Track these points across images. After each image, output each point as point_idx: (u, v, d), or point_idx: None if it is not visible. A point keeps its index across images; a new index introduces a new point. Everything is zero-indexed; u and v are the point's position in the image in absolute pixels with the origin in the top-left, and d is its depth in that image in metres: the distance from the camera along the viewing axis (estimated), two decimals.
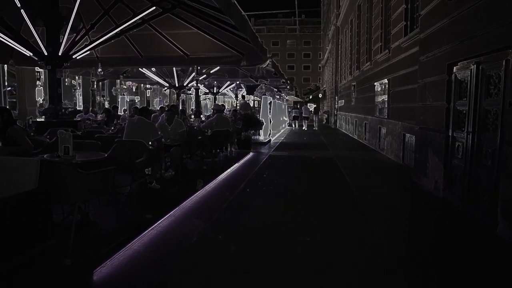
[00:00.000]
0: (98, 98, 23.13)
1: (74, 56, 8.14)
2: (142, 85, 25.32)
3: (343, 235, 4.40)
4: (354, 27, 19.87)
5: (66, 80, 14.18)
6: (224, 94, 28.36)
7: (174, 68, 14.06)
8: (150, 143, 5.64)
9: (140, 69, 14.47)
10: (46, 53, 7.68)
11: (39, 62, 7.99)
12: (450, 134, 5.80)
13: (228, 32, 9.21)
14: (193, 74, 13.60)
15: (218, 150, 9.41)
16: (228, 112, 13.00)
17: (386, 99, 11.45)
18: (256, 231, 4.46)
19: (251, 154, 11.35)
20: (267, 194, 6.37)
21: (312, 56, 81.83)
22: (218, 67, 13.98)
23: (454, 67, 5.67)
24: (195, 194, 5.96)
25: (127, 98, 29.94)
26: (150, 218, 4.54)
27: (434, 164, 6.32)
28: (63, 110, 8.46)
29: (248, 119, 11.43)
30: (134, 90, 30.24)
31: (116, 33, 8.40)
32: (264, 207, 5.54)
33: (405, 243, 4.25)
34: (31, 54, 7.69)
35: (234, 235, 4.29)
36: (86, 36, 8.46)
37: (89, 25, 8.25)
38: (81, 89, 23.82)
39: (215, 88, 21.26)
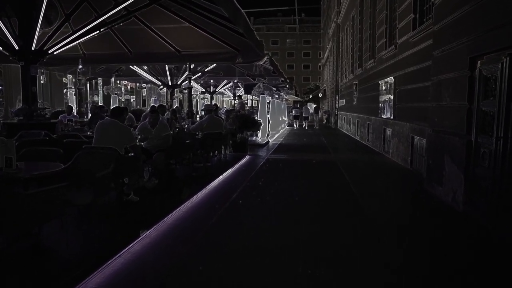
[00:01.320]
0: (89, 98, 22.35)
1: (51, 51, 7.37)
2: (137, 84, 24.51)
3: (353, 269, 3.63)
4: (355, 23, 19.10)
5: (42, 77, 13.32)
6: (222, 94, 27.66)
7: (166, 66, 13.30)
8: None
9: (131, 67, 13.75)
10: (17, 47, 6.91)
11: (10, 58, 7.24)
12: (472, 138, 5.02)
13: (221, 26, 8.48)
14: (187, 72, 12.84)
15: (210, 154, 8.64)
16: (222, 113, 12.22)
17: (392, 99, 10.67)
18: (247, 260, 3.68)
19: (247, 157, 10.57)
20: (262, 207, 5.59)
21: (312, 55, 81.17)
22: (214, 65, 13.19)
23: (479, 61, 4.89)
24: (178, 208, 5.18)
25: (123, 98, 29.15)
26: (118, 242, 3.76)
27: (452, 172, 5.55)
28: (38, 111, 7.66)
29: (244, 120, 10.65)
30: (129, 89, 29.49)
31: (97, 25, 7.59)
32: (258, 225, 4.76)
33: (426, 272, 3.48)
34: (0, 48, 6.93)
35: (219, 266, 3.51)
36: (69, 31, 7.67)
37: (66, 17, 7.50)
38: (74, 88, 23.09)
39: (211, 87, 20.51)
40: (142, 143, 5.86)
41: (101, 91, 20.24)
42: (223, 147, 9.95)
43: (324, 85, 44.62)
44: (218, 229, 4.56)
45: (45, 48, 7.17)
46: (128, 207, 5.04)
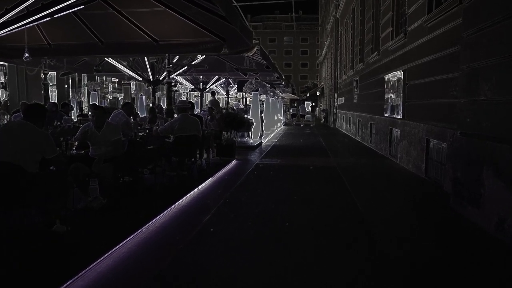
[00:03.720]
0: (72, 96, 20.82)
1: None
2: (122, 80, 22.97)
3: None
4: (356, 15, 17.67)
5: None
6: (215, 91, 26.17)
7: (146, 59, 11.83)
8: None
9: (108, 60, 12.26)
10: None
11: None
12: None
13: (203, 10, 7.10)
14: (170, 65, 11.37)
15: (186, 161, 7.18)
16: (204, 110, 10.76)
17: (401, 95, 9.24)
18: None
19: (233, 163, 9.12)
20: (240, 238, 4.14)
21: (310, 53, 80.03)
22: (202, 57, 11.68)
23: None
24: (121, 243, 3.73)
25: (110, 95, 27.65)
26: None
27: (495, 191, 4.12)
28: None
29: (231, 119, 9.19)
30: (116, 87, 27.97)
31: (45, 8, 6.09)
32: (228, 271, 3.31)
33: None
34: None
35: None
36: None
37: None
38: (56, 86, 21.55)
39: (201, 83, 19.04)
40: (81, 151, 4.41)
41: (83, 88, 18.74)
42: (204, 151, 8.50)
43: (322, 83, 43.22)
44: (168, 282, 3.12)
45: None
46: (49, 243, 3.58)
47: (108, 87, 27.39)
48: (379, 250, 3.83)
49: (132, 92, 28.05)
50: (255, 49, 9.47)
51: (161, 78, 12.29)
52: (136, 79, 14.88)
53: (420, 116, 7.95)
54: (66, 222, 3.80)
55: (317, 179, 7.57)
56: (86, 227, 4.08)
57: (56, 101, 21.15)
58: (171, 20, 8.29)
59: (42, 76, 13.10)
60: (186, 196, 5.70)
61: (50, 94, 20.54)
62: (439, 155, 6.88)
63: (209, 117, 9.26)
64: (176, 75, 15.04)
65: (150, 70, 12.06)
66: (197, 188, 6.22)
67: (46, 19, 6.22)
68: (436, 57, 7.04)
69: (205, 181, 6.78)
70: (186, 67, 12.60)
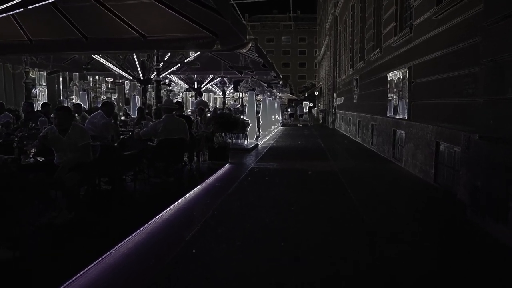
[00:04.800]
0: (62, 96, 20.11)
1: None
2: (115, 80, 22.22)
3: None
4: (356, 12, 17.06)
5: None
6: (210, 91, 25.48)
7: (135, 56, 11.18)
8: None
9: (96, 57, 11.59)
10: None
11: None
12: None
13: (192, 2, 6.51)
14: (161, 63, 10.73)
15: (175, 165, 6.53)
16: (194, 110, 10.10)
17: (406, 94, 8.62)
18: None
19: (226, 167, 8.47)
20: (226, 265, 3.50)
21: (308, 53, 79.53)
22: (196, 54, 11.02)
23: None
24: (82, 272, 3.08)
25: (103, 95, 26.93)
26: None
27: None
28: None
29: (224, 120, 8.54)
30: (109, 86, 27.23)
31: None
32: None
33: None
34: None
35: None
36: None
37: None
38: (46, 86, 20.82)
39: (196, 83, 18.39)
40: (40, 159, 3.76)
41: (72, 88, 18.01)
42: (194, 155, 7.86)
43: (321, 83, 42.60)
44: None
45: None
46: None
47: (101, 87, 26.69)
48: (391, 275, 3.19)
49: (126, 92, 27.34)
50: (250, 45, 8.85)
51: (151, 77, 11.65)
52: (127, 78, 14.25)
53: (428, 117, 7.33)
54: (17, 245, 3.15)
55: (317, 186, 6.92)
56: (42, 251, 3.42)
57: (46, 102, 20.48)
58: (159, 14, 7.71)
59: (33, 74, 12.39)
60: (170, 208, 5.04)
61: (40, 94, 19.89)
62: (451, 160, 6.26)
63: (199, 118, 8.61)
64: (168, 74, 14.44)
65: (140, 69, 11.41)
66: (183, 198, 5.57)
67: (18, 10, 5.60)
68: (446, 52, 6.42)
69: (193, 188, 6.13)
70: (179, 64, 11.99)
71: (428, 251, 3.82)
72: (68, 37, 8.80)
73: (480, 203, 4.39)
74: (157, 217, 4.62)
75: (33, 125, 7.04)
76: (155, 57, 9.40)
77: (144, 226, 4.22)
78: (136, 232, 4.03)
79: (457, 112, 5.98)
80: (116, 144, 5.39)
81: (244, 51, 9.70)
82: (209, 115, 11.39)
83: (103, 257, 3.39)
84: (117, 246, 3.62)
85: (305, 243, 3.96)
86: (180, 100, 9.63)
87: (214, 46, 8.10)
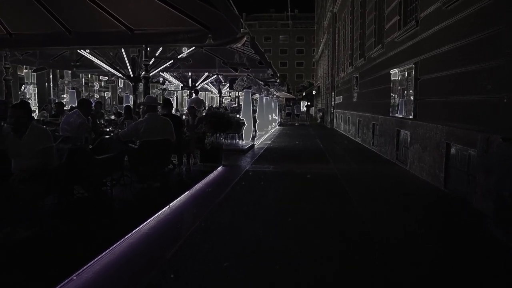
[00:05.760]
0: (54, 95, 19.43)
1: None
2: (106, 77, 21.48)
3: None
4: (356, 8, 16.49)
5: None
6: (206, 90, 24.84)
7: (123, 51, 10.57)
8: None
9: (84, 54, 10.98)
10: None
11: None
12: None
13: None
14: (151, 59, 10.14)
15: (162, 169, 5.93)
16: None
17: (411, 92, 8.05)
18: None
19: (219, 170, 7.88)
20: (213, 287, 2.91)
21: (305, 53, 79.07)
22: (190, 50, 10.40)
23: None
24: None
25: (96, 94, 26.28)
26: None
27: None
28: None
29: (216, 119, 7.95)
30: (103, 85, 26.54)
31: None
32: None
33: None
34: None
35: None
36: None
37: None
38: (36, 84, 20.14)
39: (190, 80, 17.79)
40: None
41: (62, 86, 17.34)
42: (184, 157, 7.26)
43: (318, 82, 42.03)
44: None
45: None
46: None
47: (94, 86, 26.04)
48: None
49: (120, 90, 26.66)
50: (245, 39, 8.26)
51: (142, 74, 11.03)
52: (117, 76, 13.60)
53: (437, 116, 6.76)
54: None
55: (316, 192, 6.33)
56: None
57: (36, 101, 19.79)
58: (148, 6, 7.17)
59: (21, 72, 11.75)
60: (151, 219, 4.45)
61: (28, 92, 19.21)
62: (464, 164, 5.68)
63: (189, 117, 8.00)
64: (160, 71, 13.81)
65: (131, 66, 10.80)
66: (168, 207, 4.98)
67: None
68: (459, 45, 5.84)
69: (180, 195, 5.53)
70: (171, 61, 11.38)
71: (451, 273, 3.24)
72: (51, 31, 8.23)
73: (508, 215, 3.82)
74: (134, 231, 4.02)
75: (3, 123, 6.43)
76: (143, 52, 8.79)
77: (117, 244, 3.62)
78: (107, 251, 3.43)
79: (472, 111, 5.41)
80: (91, 147, 4.79)
81: (239, 45, 9.12)
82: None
83: (60, 285, 2.80)
84: (79, 271, 3.02)
85: (304, 267, 3.37)
86: (170, 98, 8.97)
87: (206, 40, 7.53)
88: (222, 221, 4.50)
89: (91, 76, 24.98)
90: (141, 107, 9.29)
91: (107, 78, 22.11)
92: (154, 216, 4.54)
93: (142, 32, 8.04)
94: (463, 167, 5.72)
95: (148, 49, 8.86)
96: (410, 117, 8.13)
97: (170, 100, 7.46)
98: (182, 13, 6.88)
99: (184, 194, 5.65)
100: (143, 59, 8.90)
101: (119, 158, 4.66)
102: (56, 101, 15.71)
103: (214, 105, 23.88)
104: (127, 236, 3.84)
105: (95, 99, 24.89)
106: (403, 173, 7.96)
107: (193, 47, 9.94)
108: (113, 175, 4.88)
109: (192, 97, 16.76)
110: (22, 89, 18.85)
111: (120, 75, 11.50)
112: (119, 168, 4.97)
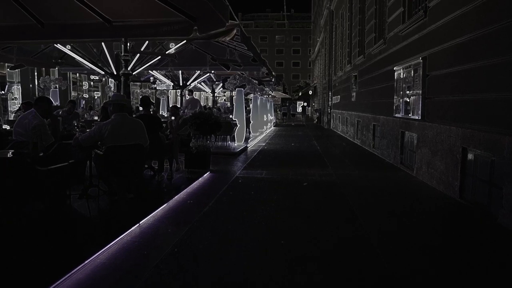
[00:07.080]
0: (38, 94, 18.50)
1: None
2: (91, 76, 20.56)
3: None
4: (355, 3, 15.74)
5: None
6: (200, 89, 24.00)
7: (104, 46, 9.74)
8: None
9: (67, 50, 10.15)
10: None
11: None
12: None
13: None
14: (136, 55, 9.34)
15: (135, 178, 5.11)
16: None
17: (419, 90, 7.27)
18: None
19: (205, 177, 7.06)
20: None
21: (302, 52, 78.47)
22: (179, 45, 9.56)
23: None
24: None
25: (85, 93, 25.42)
26: None
27: None
28: None
29: (202, 121, 7.13)
30: (92, 85, 25.64)
31: None
32: None
33: None
34: None
35: None
36: None
37: None
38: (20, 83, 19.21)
39: (181, 79, 16.97)
40: None
41: (41, 84, 16.40)
42: (166, 163, 6.44)
43: (315, 82, 41.32)
44: None
45: None
46: None
47: (83, 85, 25.16)
48: None
49: (108, 90, 25.77)
50: (234, 31, 7.45)
51: (122, 71, 10.17)
52: (102, 74, 12.76)
53: (451, 117, 5.99)
54: None
55: (314, 205, 5.51)
56: None
57: (20, 101, 18.85)
58: None
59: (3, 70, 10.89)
60: (114, 242, 3.63)
61: (12, 92, 18.29)
62: (485, 172, 4.91)
63: (172, 118, 7.18)
64: (146, 69, 12.98)
65: (114, 63, 9.96)
66: (138, 225, 4.16)
67: None
68: (477, 35, 5.07)
69: (155, 210, 4.71)
70: (159, 57, 10.56)
71: None
72: (21, 23, 7.38)
73: None
74: (91, 258, 3.21)
75: None
76: (122, 46, 7.96)
77: (65, 277, 2.80)
78: (57, 283, 2.62)
79: (497, 111, 4.63)
80: (45, 154, 3.97)
81: (228, 39, 8.31)
82: None
83: None
84: None
85: None
86: (148, 96, 8.13)
87: (192, 33, 6.73)
88: (200, 246, 3.68)
89: (79, 75, 24.12)
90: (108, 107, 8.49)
91: (98, 77, 21.25)
92: (118, 239, 3.72)
93: (121, 24, 7.25)
94: (484, 175, 4.94)
95: (130, 44, 8.05)
96: (417, 117, 7.36)
97: (149, 98, 6.64)
98: (164, 2, 6.10)
99: (160, 208, 4.83)
100: (122, 53, 8.07)
101: (77, 167, 3.84)
102: None
103: (208, 105, 23.06)
104: (81, 265, 3.02)
105: (82, 99, 24.03)
106: (410, 180, 7.17)
107: (182, 42, 9.12)
108: (80, 186, 4.06)
109: (188, 97, 16.00)
110: (5, 90, 17.94)
111: (103, 72, 10.66)
112: (80, 179, 4.14)
